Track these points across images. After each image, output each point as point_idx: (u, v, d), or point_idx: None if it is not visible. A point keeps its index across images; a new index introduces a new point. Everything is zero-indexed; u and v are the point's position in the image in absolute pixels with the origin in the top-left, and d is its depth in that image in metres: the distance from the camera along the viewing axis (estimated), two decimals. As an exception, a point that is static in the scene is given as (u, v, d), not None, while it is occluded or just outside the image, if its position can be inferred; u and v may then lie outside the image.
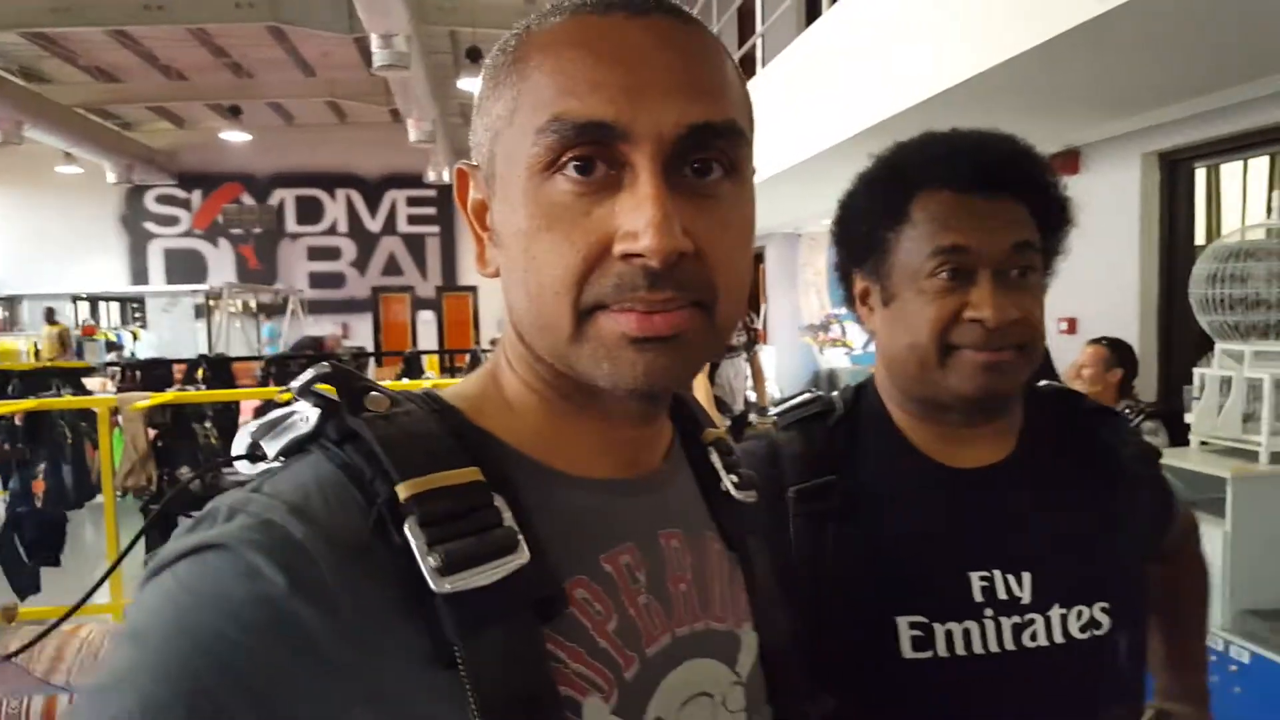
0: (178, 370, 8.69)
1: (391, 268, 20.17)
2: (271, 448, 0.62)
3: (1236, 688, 2.81)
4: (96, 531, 7.26)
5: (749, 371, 6.11)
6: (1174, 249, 4.65)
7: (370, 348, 17.85)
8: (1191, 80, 3.86)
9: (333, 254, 20.13)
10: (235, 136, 17.30)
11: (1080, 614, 1.05)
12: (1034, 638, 1.04)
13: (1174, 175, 4.62)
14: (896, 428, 1.14)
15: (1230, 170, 4.46)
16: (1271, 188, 4.12)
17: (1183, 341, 4.56)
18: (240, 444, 0.64)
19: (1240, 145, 4.17)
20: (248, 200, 19.71)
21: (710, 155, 0.62)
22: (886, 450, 1.13)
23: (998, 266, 1.02)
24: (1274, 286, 3.30)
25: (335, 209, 20.14)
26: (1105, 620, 1.06)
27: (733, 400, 5.95)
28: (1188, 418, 3.59)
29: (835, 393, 1.20)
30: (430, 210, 20.09)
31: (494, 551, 0.57)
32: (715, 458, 0.81)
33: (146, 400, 4.21)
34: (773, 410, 1.21)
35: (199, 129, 18.21)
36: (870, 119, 4.99)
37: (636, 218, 0.58)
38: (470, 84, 14.82)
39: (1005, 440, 1.13)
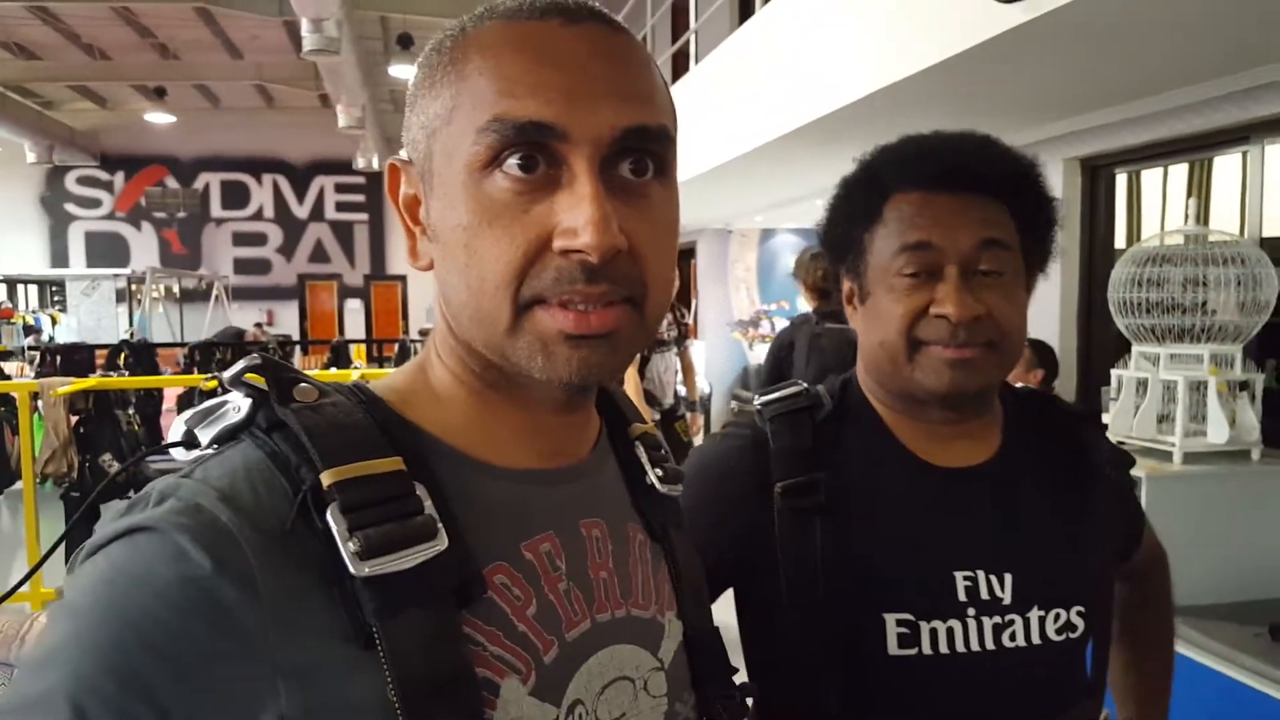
0: (99, 356, 8.50)
1: (319, 255, 19.88)
2: (205, 435, 0.64)
3: (1147, 680, 2.89)
4: (14, 519, 7.09)
5: (679, 366, 6.14)
6: (1094, 253, 4.77)
7: (296, 336, 17.56)
8: (1113, 88, 3.96)
9: (258, 240, 19.78)
10: (160, 118, 16.90)
11: (1058, 616, 1.07)
12: (1013, 638, 1.05)
13: (1095, 180, 4.74)
14: (884, 425, 1.15)
15: (1150, 177, 4.59)
16: (1189, 195, 4.24)
17: (1102, 344, 4.69)
18: (176, 432, 0.66)
19: (1161, 153, 4.29)
20: (172, 183, 19.29)
21: (642, 157, 0.65)
22: (874, 447, 1.13)
23: (965, 263, 1.04)
24: (1189, 291, 3.41)
25: (262, 194, 19.80)
26: (1080, 624, 1.08)
27: (662, 394, 5.97)
28: (1105, 418, 3.70)
29: (820, 387, 1.20)
30: (359, 197, 19.83)
31: (413, 538, 0.60)
32: (641, 452, 0.83)
33: (69, 385, 4.11)
34: (758, 401, 1.19)
35: (122, 110, 17.75)
36: (800, 119, 5.05)
37: (576, 215, 0.61)
38: (402, 70, 14.62)
39: (989, 440, 1.14)
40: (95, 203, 18.68)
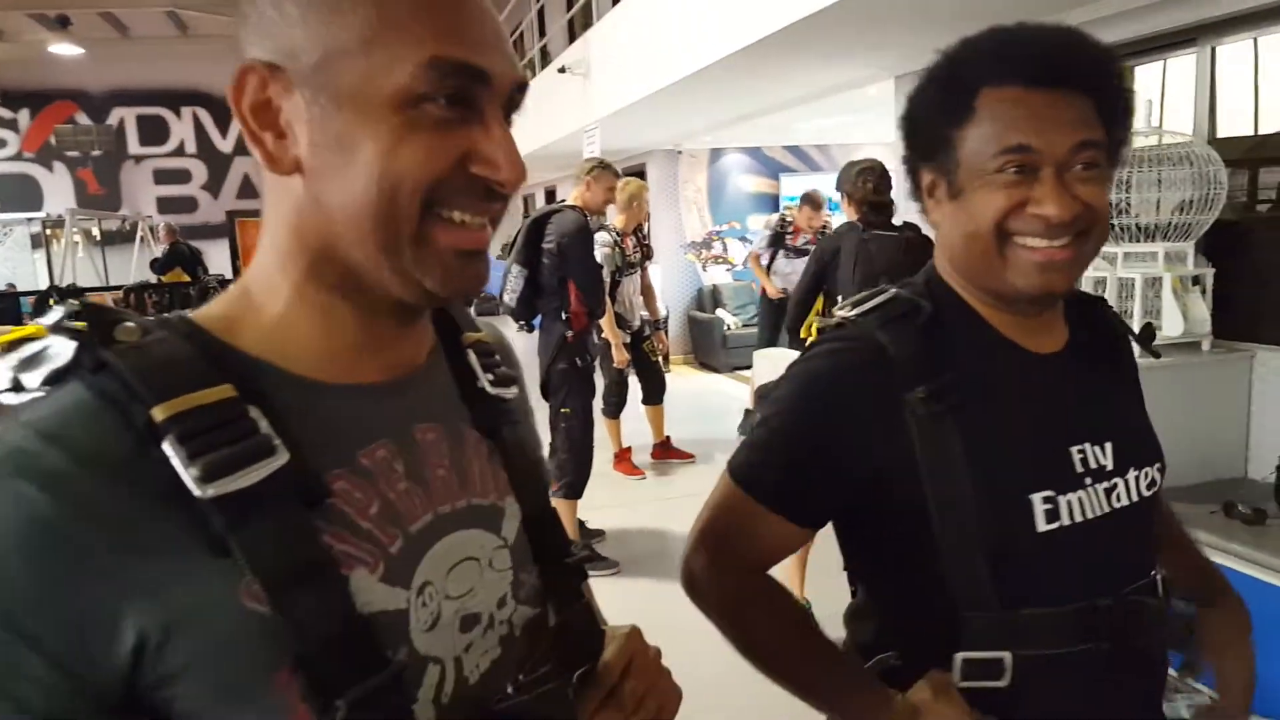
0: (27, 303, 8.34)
1: (248, 190, 19.37)
2: (32, 380, 0.66)
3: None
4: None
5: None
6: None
7: (230, 275, 17.12)
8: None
9: (182, 177, 19.27)
10: (65, 50, 16.16)
11: (1146, 474, 1.18)
12: (1119, 499, 1.15)
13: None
14: (981, 318, 1.18)
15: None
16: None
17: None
18: (1, 378, 0.68)
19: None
20: (83, 120, 18.62)
21: (518, 104, 0.77)
22: (980, 341, 1.17)
23: (1061, 164, 1.05)
24: (1134, 192, 3.54)
25: (182, 128, 19.23)
26: (1159, 478, 1.20)
27: (631, 316, 5.94)
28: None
29: (906, 290, 1.21)
30: (286, 129, 19.25)
31: (252, 456, 0.64)
32: (473, 358, 0.89)
33: (8, 334, 4.07)
34: (853, 311, 1.19)
35: (23, 42, 16.81)
36: (746, 39, 5.09)
37: (496, 150, 0.71)
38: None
39: (1061, 326, 1.22)
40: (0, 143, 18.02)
